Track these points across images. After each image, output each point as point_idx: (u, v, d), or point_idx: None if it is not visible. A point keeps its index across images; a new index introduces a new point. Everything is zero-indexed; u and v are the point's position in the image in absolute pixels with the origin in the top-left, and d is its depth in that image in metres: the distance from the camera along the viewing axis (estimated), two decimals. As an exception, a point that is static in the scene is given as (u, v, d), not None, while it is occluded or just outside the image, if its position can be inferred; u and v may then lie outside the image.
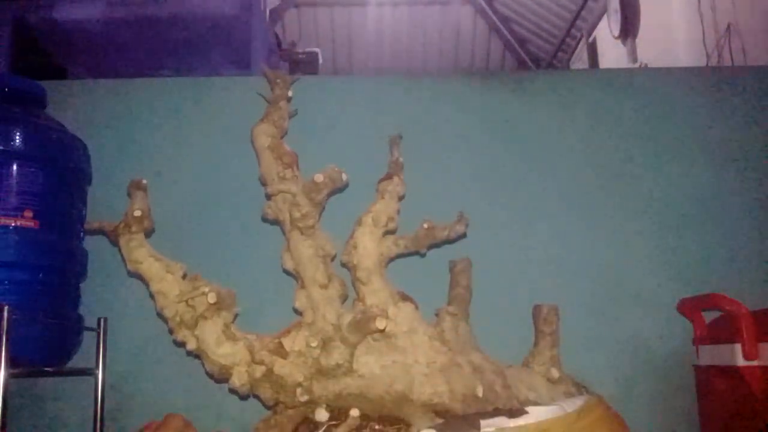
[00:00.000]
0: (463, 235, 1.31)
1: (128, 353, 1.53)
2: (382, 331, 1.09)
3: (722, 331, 1.34)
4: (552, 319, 1.28)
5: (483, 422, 1.00)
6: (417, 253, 1.30)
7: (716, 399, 1.38)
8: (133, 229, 1.20)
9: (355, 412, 1.09)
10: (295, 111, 1.44)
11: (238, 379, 1.17)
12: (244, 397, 1.24)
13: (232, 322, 1.21)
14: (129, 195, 1.24)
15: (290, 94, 1.37)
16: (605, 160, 1.65)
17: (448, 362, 1.16)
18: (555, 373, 1.23)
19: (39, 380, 1.53)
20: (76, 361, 1.46)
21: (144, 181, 1.24)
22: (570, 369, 1.28)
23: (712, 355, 1.38)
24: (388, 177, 1.28)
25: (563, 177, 1.64)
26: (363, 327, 1.08)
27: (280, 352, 1.16)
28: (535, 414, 1.02)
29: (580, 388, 1.25)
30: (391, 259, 1.29)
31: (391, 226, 1.26)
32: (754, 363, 1.25)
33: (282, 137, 1.34)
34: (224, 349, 1.16)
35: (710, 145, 1.66)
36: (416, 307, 1.23)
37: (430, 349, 1.18)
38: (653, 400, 1.52)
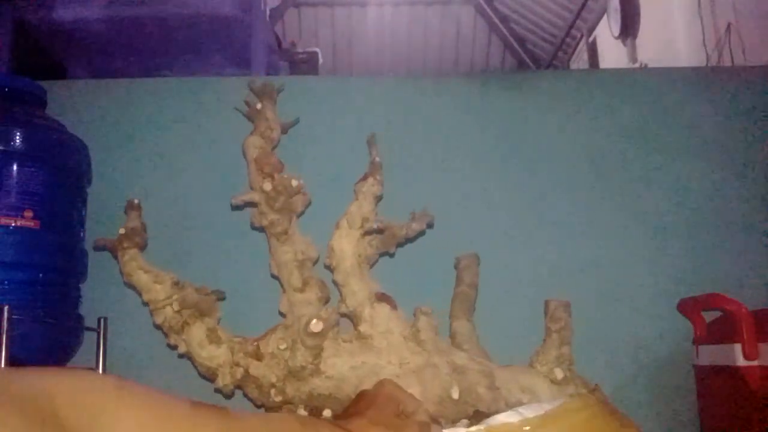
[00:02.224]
0: (423, 233, 1.31)
1: (128, 353, 1.53)
2: (316, 333, 1.13)
3: (722, 331, 1.34)
4: (560, 316, 1.23)
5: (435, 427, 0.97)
6: (387, 253, 1.31)
7: (716, 399, 1.38)
8: (125, 244, 1.27)
9: (327, 413, 1.12)
10: (296, 119, 1.45)
11: (222, 380, 1.22)
12: (228, 396, 1.28)
13: (217, 325, 1.25)
14: (125, 212, 1.30)
15: (259, 106, 1.37)
16: (605, 160, 1.65)
17: (423, 363, 1.16)
18: (559, 374, 1.18)
19: (39, 380, 1.53)
20: (76, 361, 1.45)
21: (136, 201, 1.30)
22: (569, 369, 1.27)
23: (712, 355, 1.38)
24: (364, 178, 1.29)
25: (562, 177, 1.64)
26: (305, 330, 1.13)
27: (257, 354, 1.20)
28: (486, 420, 0.94)
29: (592, 390, 1.19)
30: (371, 260, 1.30)
31: (367, 226, 1.26)
32: (754, 363, 1.25)
33: (273, 148, 1.35)
34: (208, 351, 1.22)
35: (710, 145, 1.66)
36: (394, 308, 1.23)
37: (405, 350, 1.18)
38: (653, 400, 1.52)
